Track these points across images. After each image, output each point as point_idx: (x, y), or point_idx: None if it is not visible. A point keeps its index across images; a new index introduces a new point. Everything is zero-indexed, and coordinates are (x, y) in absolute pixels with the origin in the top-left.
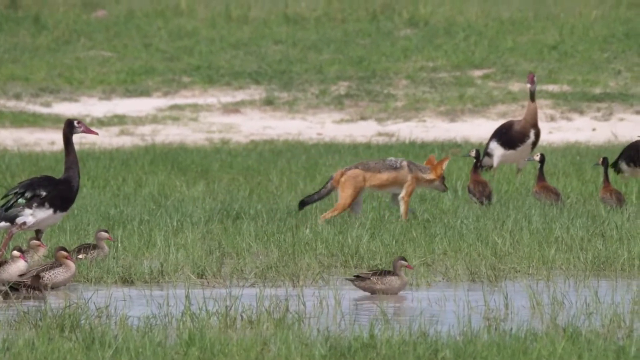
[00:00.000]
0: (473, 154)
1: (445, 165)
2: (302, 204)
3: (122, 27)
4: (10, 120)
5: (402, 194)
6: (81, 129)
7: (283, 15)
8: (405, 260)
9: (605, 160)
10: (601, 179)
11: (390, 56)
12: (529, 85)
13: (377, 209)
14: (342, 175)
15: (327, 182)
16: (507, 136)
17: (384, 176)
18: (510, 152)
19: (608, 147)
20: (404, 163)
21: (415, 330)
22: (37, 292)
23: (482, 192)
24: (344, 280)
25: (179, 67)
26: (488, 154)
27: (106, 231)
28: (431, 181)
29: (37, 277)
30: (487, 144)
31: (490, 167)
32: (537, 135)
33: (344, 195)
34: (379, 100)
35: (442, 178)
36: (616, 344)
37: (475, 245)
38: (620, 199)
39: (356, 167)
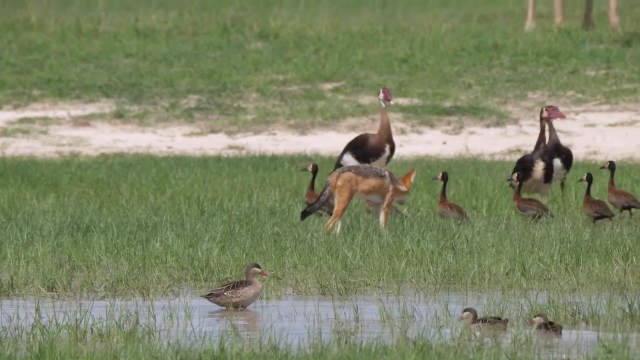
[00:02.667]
0: (310, 168)
1: (413, 177)
2: (305, 214)
3: None
4: None
5: (384, 204)
6: None
7: (133, 29)
8: (259, 267)
9: (444, 175)
10: (440, 193)
11: (241, 69)
12: (381, 101)
13: (227, 222)
14: (337, 178)
15: (324, 189)
16: (362, 150)
17: (372, 182)
18: None
19: (459, 161)
20: (386, 173)
21: (265, 344)
22: None
23: (331, 206)
24: (199, 298)
25: (29, 80)
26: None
27: None
28: (404, 193)
29: None
30: (340, 156)
31: None
32: (392, 149)
33: (340, 199)
34: (229, 114)
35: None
36: (466, 357)
37: (326, 258)
38: (461, 211)
39: (349, 170)
